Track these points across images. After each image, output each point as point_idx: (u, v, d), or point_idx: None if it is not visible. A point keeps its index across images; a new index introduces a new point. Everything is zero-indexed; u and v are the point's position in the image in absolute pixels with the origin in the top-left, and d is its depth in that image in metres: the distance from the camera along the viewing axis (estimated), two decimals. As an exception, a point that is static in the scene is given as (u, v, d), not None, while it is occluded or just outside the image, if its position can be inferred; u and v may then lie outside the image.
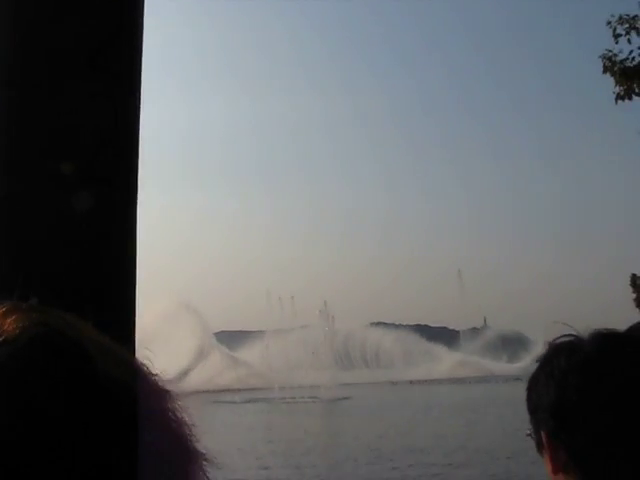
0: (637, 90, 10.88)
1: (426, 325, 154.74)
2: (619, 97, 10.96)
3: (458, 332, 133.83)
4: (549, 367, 1.31)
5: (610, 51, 11.30)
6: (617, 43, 11.31)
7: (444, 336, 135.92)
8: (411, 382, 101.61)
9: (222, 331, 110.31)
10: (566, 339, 1.33)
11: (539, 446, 1.33)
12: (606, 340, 1.30)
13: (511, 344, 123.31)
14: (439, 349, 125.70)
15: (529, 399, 1.35)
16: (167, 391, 0.70)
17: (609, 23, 11.39)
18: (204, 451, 0.69)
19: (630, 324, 1.23)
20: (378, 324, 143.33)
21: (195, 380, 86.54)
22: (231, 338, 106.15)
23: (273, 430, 41.62)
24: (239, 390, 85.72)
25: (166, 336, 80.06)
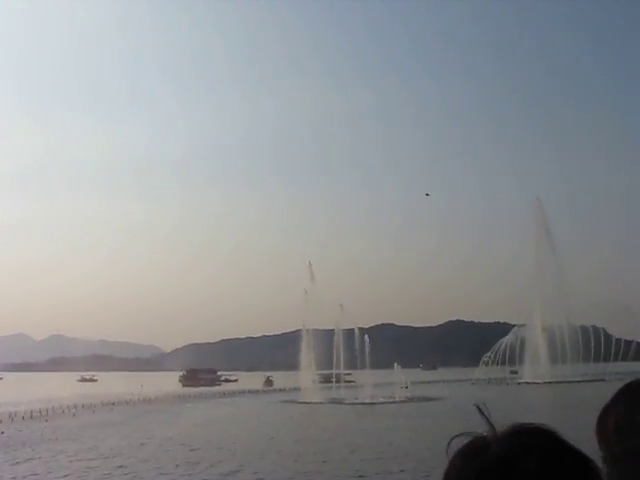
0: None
1: (505, 323, 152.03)
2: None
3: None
4: (448, 474, 1.19)
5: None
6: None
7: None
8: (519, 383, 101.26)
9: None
10: (473, 439, 1.19)
11: None
12: (517, 439, 1.13)
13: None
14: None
15: None
16: None
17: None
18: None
19: None
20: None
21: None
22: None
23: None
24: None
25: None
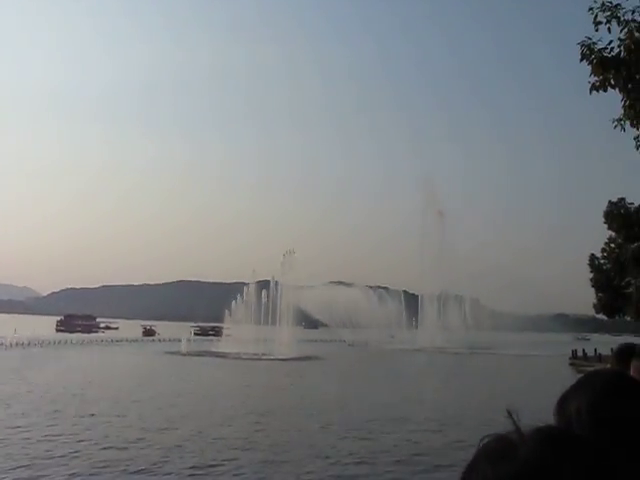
0: (613, 82, 10.38)
1: (386, 287, 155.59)
2: (594, 87, 10.42)
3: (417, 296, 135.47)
4: (474, 477, 1.09)
5: (589, 39, 10.59)
6: (597, 31, 10.51)
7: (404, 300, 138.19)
8: (367, 344, 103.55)
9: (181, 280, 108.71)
10: (498, 439, 1.10)
11: None
12: (546, 446, 1.05)
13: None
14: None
15: None
16: None
17: (591, 9, 10.50)
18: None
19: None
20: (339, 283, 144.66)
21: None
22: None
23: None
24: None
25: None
